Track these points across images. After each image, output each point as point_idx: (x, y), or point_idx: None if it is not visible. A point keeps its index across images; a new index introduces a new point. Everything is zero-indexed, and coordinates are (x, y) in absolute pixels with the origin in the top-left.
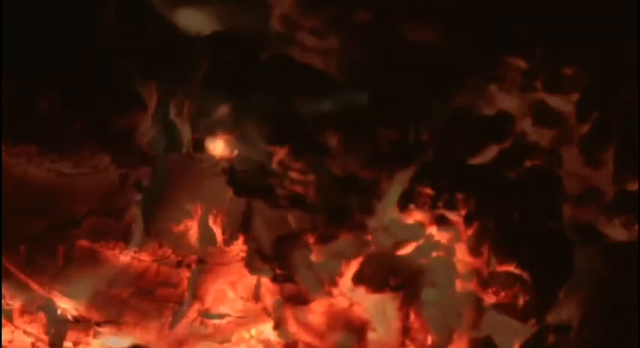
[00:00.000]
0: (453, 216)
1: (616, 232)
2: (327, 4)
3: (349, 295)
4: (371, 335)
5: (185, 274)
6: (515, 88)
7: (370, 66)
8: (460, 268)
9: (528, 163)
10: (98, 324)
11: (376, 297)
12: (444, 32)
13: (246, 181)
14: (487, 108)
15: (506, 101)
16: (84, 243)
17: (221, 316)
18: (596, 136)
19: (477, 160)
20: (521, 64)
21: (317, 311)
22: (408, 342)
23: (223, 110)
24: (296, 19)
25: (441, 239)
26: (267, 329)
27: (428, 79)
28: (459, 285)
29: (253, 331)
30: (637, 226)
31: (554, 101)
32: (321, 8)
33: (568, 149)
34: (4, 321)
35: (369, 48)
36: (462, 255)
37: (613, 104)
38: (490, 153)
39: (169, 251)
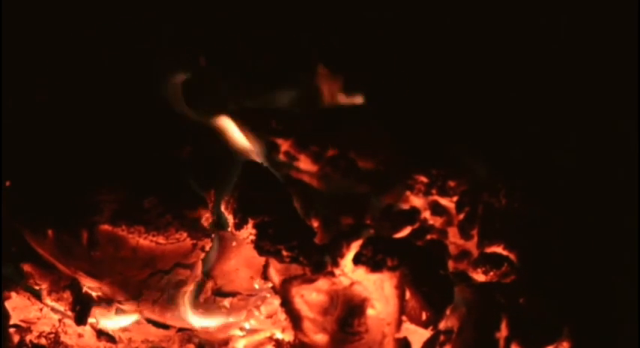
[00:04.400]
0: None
1: (478, 276)
2: (310, 145)
3: (350, 274)
4: (370, 311)
5: (200, 255)
6: (420, 193)
7: (337, 182)
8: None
9: (429, 237)
10: (120, 302)
11: (375, 276)
12: (379, 161)
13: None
14: (404, 205)
15: (415, 201)
16: (106, 227)
17: (233, 294)
18: (467, 221)
19: (398, 235)
20: (424, 179)
21: (320, 289)
22: (404, 317)
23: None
24: (293, 154)
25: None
26: (274, 306)
27: (368, 188)
28: (451, 265)
29: (262, 308)
30: (491, 273)
31: (443, 201)
32: (307, 148)
33: (451, 229)
34: (33, 300)
35: (335, 171)
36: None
37: (477, 204)
38: (406, 231)
39: (185, 235)
